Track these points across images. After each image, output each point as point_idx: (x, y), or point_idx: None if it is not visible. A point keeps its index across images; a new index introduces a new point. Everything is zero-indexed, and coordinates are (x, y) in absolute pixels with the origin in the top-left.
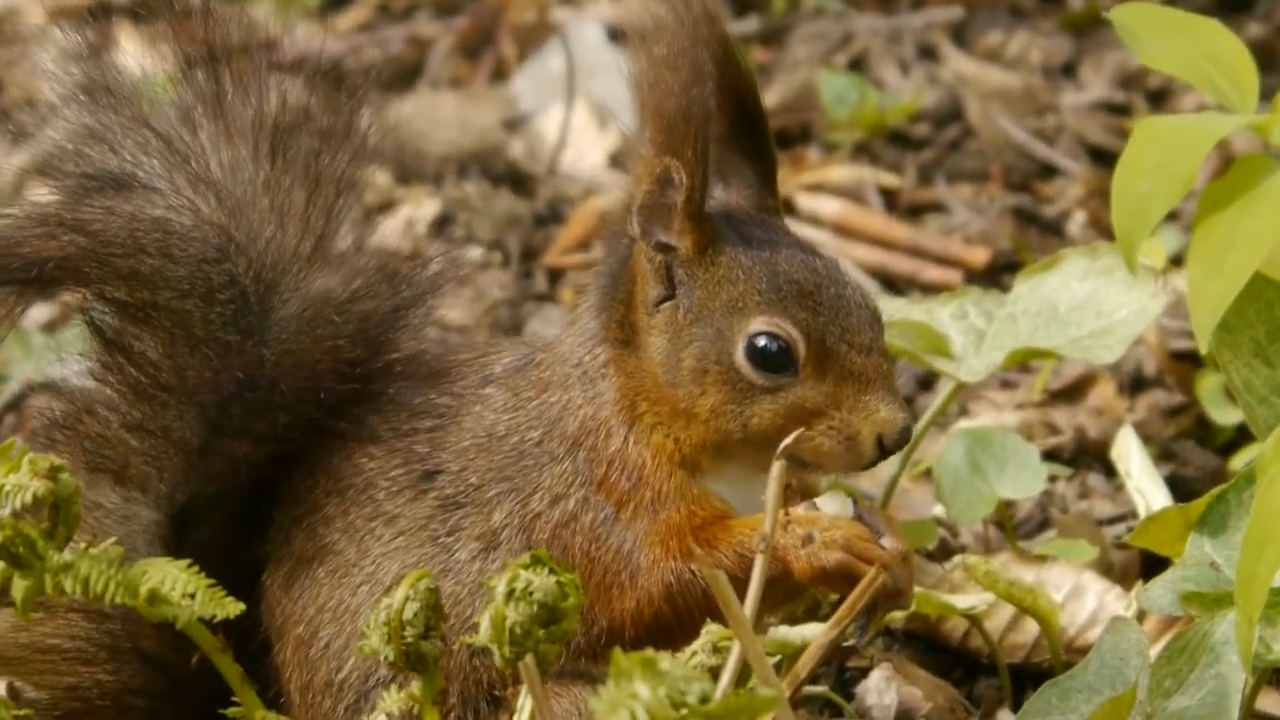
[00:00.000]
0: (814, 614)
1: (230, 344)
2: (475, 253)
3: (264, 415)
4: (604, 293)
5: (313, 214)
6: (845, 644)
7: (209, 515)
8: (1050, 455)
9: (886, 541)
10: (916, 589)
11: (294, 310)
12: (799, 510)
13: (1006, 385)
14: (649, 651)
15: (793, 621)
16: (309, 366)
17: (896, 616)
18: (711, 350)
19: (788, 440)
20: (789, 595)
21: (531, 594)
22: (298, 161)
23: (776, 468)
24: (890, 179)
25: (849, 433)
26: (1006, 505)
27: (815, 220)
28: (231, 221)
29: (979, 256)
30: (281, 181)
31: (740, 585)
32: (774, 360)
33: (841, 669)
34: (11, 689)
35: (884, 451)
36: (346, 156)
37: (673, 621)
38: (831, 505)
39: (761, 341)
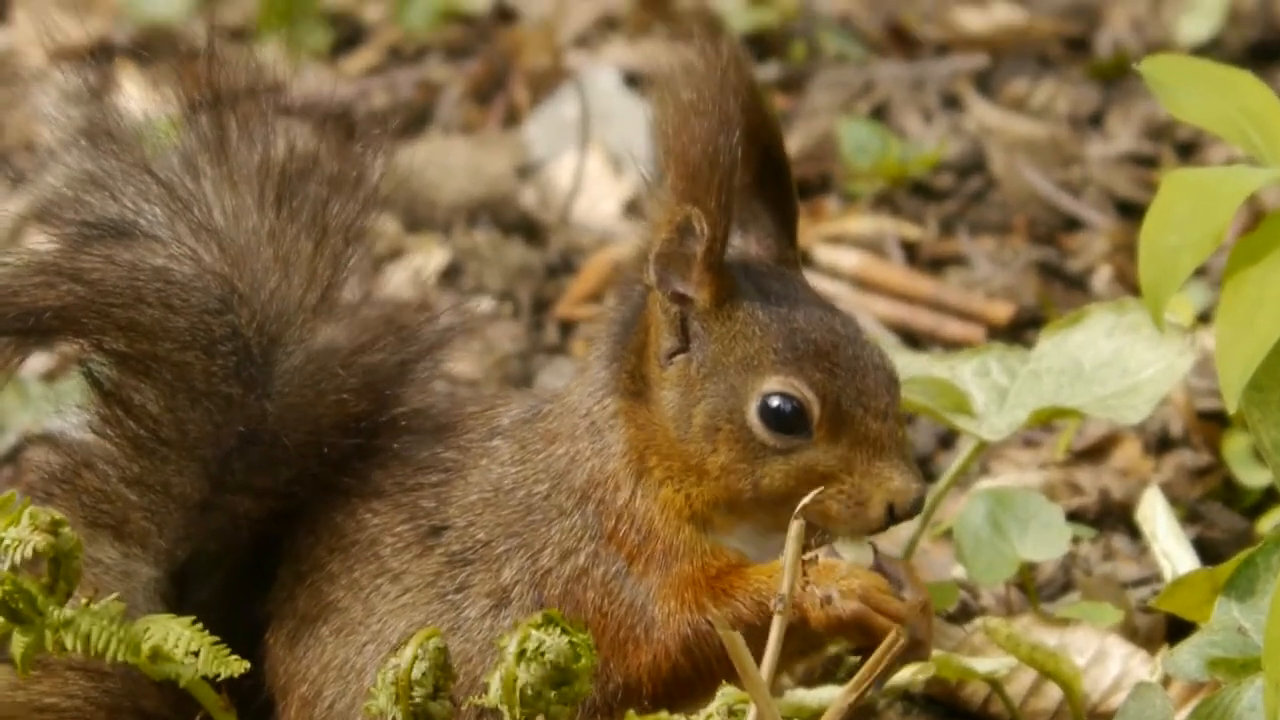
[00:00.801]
0: (831, 676)
1: (232, 397)
2: (485, 304)
3: (266, 470)
4: (616, 342)
5: (319, 264)
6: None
7: (210, 572)
8: (1074, 516)
9: (907, 593)
10: (937, 652)
11: (298, 363)
12: (818, 558)
13: (1029, 444)
14: (663, 715)
15: (810, 684)
16: (312, 420)
17: (916, 680)
18: (724, 407)
19: (806, 500)
20: (805, 646)
21: (544, 654)
22: (304, 210)
23: (795, 527)
24: (911, 231)
25: (860, 498)
26: (1029, 567)
27: (834, 272)
28: (234, 271)
29: (1002, 311)
30: (287, 230)
31: (760, 634)
32: (787, 421)
33: None
34: None
35: (893, 519)
36: (356, 205)
37: (691, 675)
38: (850, 552)
39: (775, 402)
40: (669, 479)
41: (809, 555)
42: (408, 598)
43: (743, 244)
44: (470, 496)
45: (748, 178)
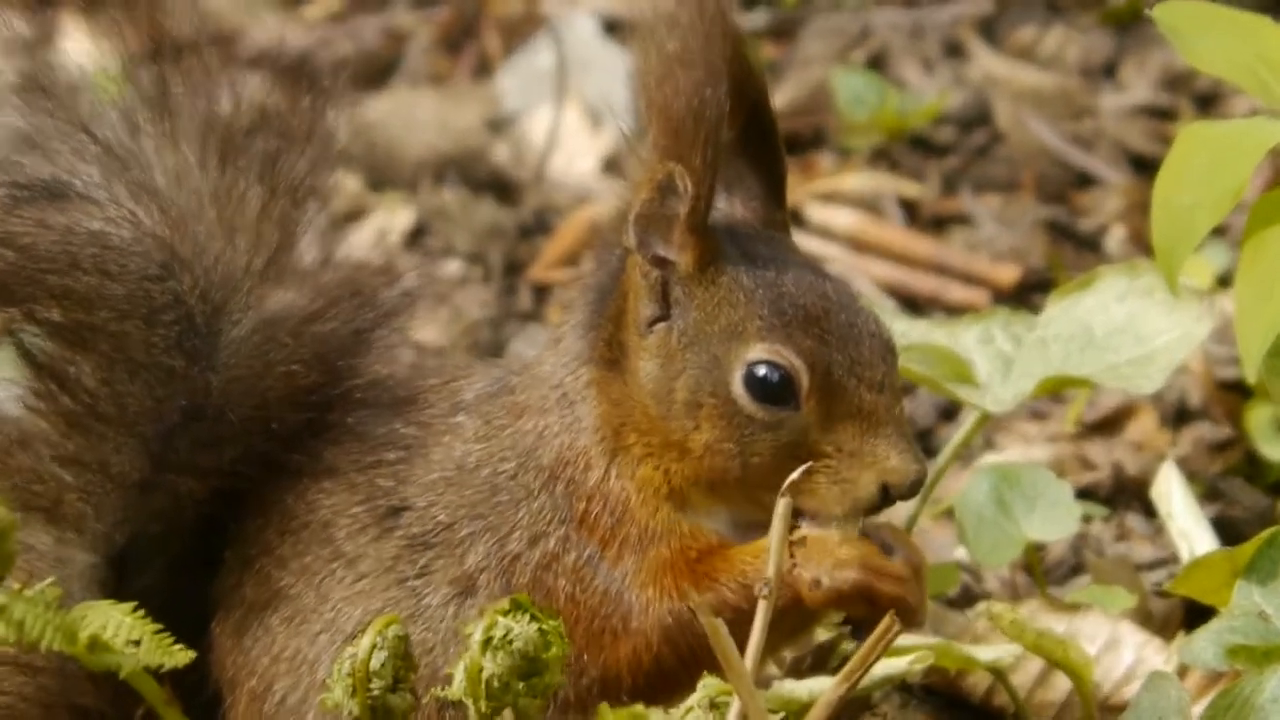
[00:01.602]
0: (822, 666)
1: (174, 370)
2: (453, 267)
3: (211, 447)
4: (592, 309)
5: (266, 225)
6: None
7: (151, 558)
8: (1084, 494)
9: (898, 556)
10: (936, 639)
11: (245, 332)
12: (806, 530)
13: (1036, 416)
14: (638, 708)
15: (798, 674)
16: (260, 394)
17: (914, 670)
18: (707, 379)
19: (795, 475)
20: (799, 626)
21: (511, 643)
22: (252, 168)
23: (781, 505)
24: (911, 188)
25: (850, 476)
26: (1036, 548)
27: (827, 233)
28: (176, 235)
29: (1008, 274)
30: (233, 190)
31: (747, 619)
32: (774, 392)
33: None
34: None
35: (888, 500)
36: (308, 162)
37: (675, 666)
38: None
39: (761, 371)
40: (648, 456)
41: (795, 535)
42: (364, 584)
43: (728, 205)
44: (431, 475)
45: (733, 135)
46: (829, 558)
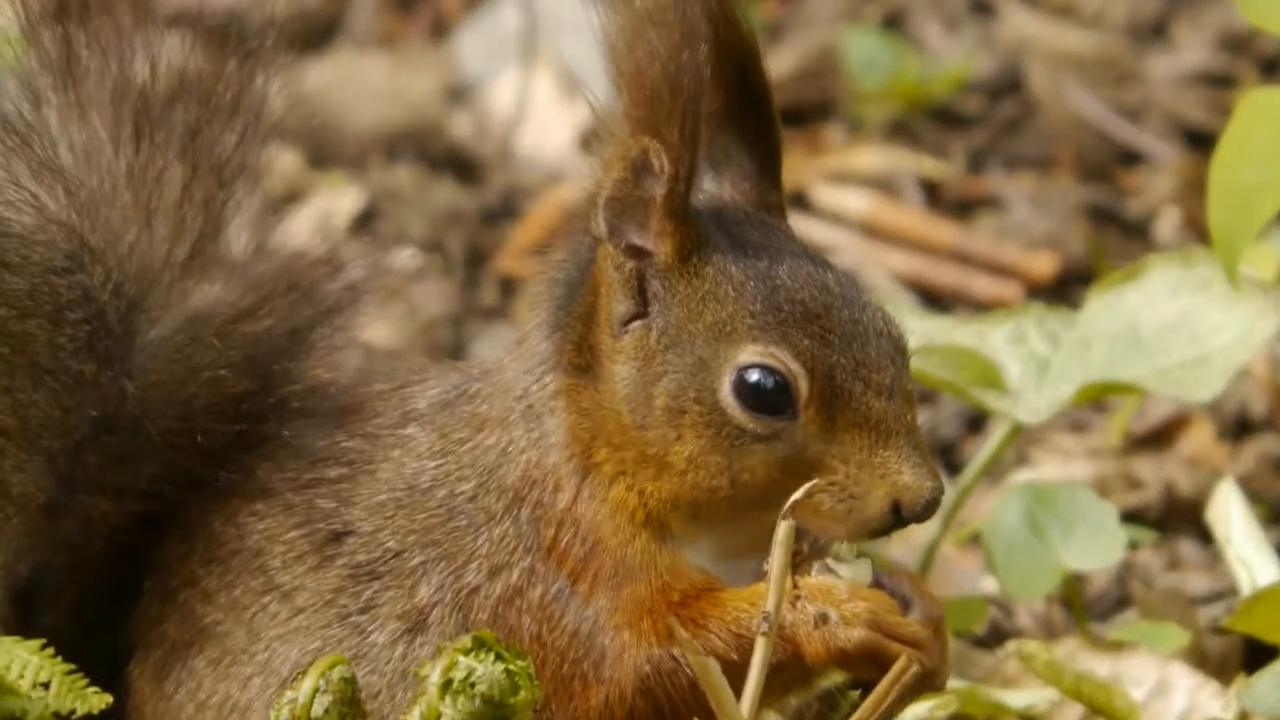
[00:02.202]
0: (830, 713)
1: (84, 375)
2: (407, 256)
3: (126, 464)
4: (558, 307)
5: (189, 209)
6: None
7: (59, 592)
8: (1131, 517)
9: (916, 612)
10: (961, 683)
11: (165, 333)
12: (810, 578)
13: (1077, 428)
14: None
15: None
16: (183, 403)
17: (936, 717)
18: (691, 385)
19: (798, 494)
20: (796, 682)
21: (474, 685)
22: (172, 143)
23: (783, 529)
24: (932, 167)
25: (857, 492)
26: (1075, 579)
27: (837, 218)
28: (85, 221)
29: (1043, 265)
30: (150, 169)
31: (737, 674)
32: (769, 399)
33: None
34: None
35: (900, 521)
36: (235, 134)
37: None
38: (845, 570)
39: (753, 376)
40: (621, 474)
41: (800, 578)
42: (301, 619)
43: (714, 186)
44: (379, 496)
45: (719, 105)
46: (835, 609)
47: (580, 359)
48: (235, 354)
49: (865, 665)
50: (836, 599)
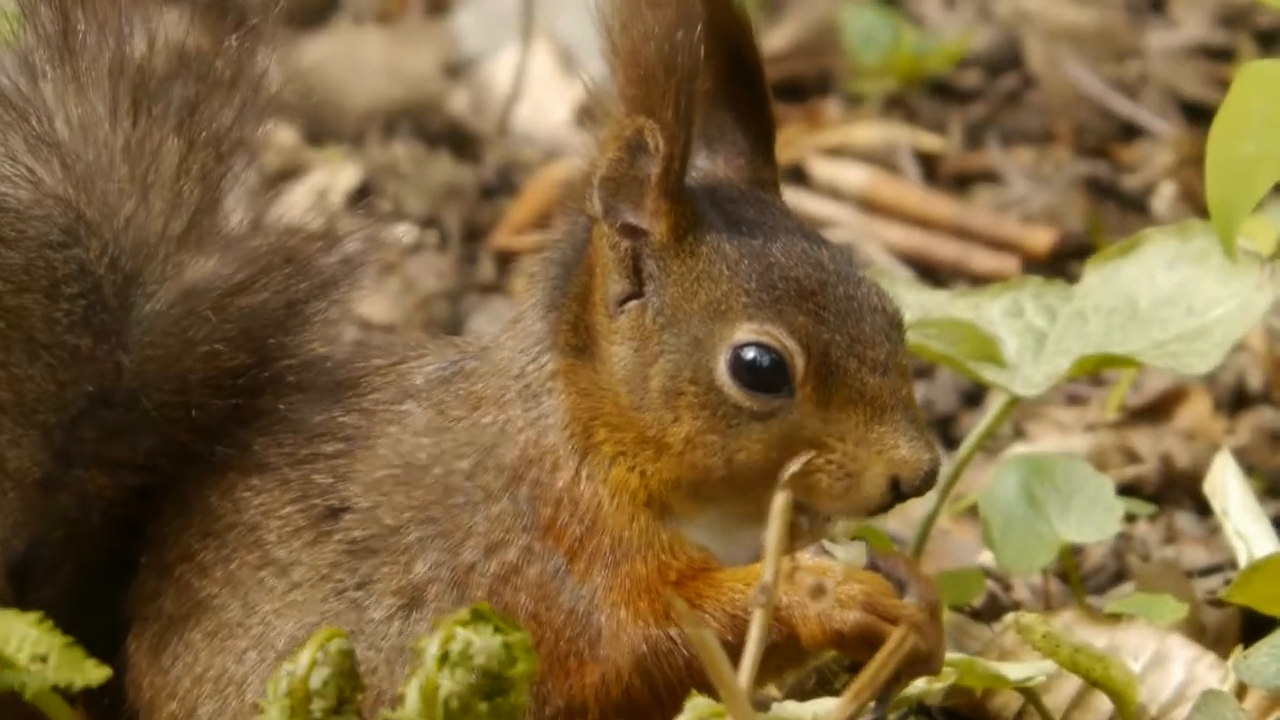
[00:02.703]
0: (826, 686)
1: (79, 349)
2: (404, 231)
3: (122, 438)
4: (554, 287)
5: (185, 183)
6: None
7: (56, 567)
8: (1128, 489)
9: (911, 595)
10: (959, 655)
11: (161, 307)
12: (806, 558)
13: (1073, 401)
14: None
15: (801, 695)
16: (179, 377)
17: (933, 689)
18: (687, 365)
19: (793, 465)
20: (790, 663)
21: (471, 658)
22: (168, 118)
23: (779, 501)
24: (930, 141)
25: (854, 469)
26: (1072, 551)
27: (835, 193)
28: (81, 195)
29: (1041, 239)
30: (146, 143)
31: (731, 654)
32: (765, 378)
33: None
34: None
35: (899, 496)
36: (233, 110)
37: (646, 699)
38: (840, 551)
39: (749, 354)
40: (621, 454)
41: (798, 557)
42: (297, 594)
43: (708, 164)
44: (376, 472)
45: (712, 83)
46: (829, 592)
47: (576, 339)
48: (230, 328)
49: (861, 647)
50: (832, 579)
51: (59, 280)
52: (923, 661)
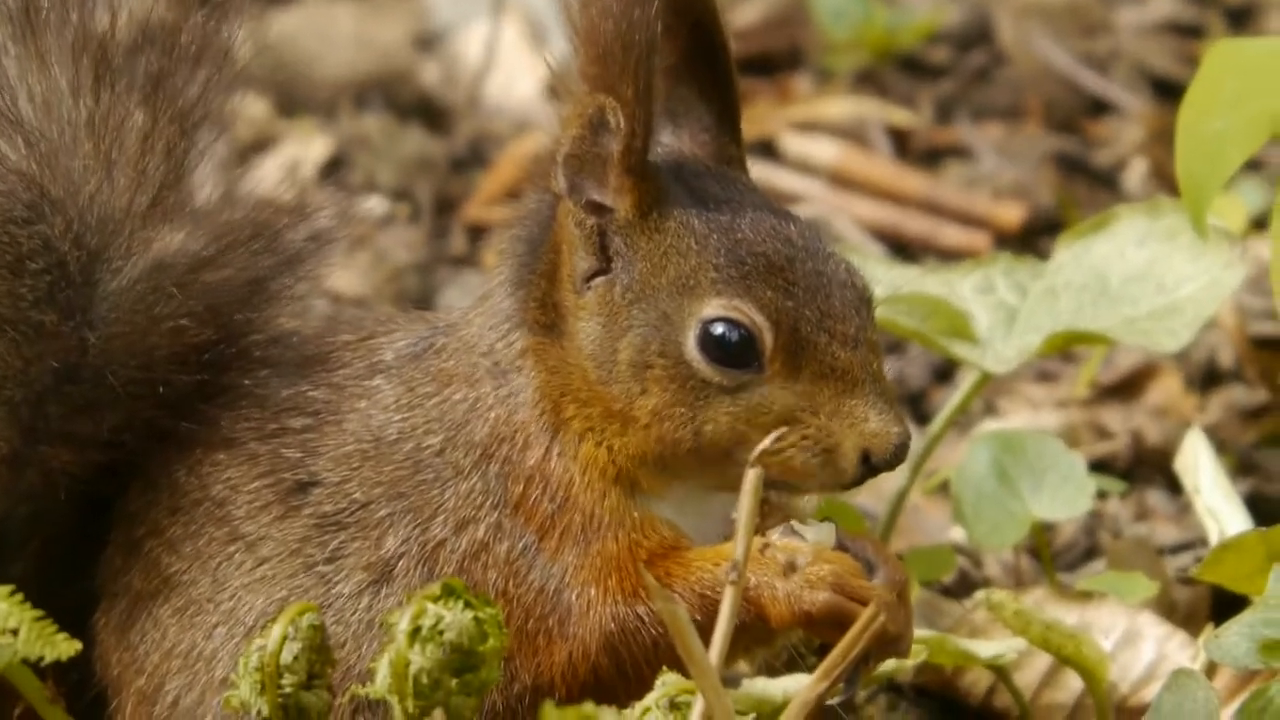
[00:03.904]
0: (796, 664)
1: (44, 325)
2: (375, 204)
3: (88, 414)
4: (522, 264)
5: (150, 158)
6: (832, 701)
7: (23, 543)
8: (1099, 466)
9: (880, 576)
10: (929, 632)
11: (126, 283)
12: (775, 538)
13: (1044, 377)
14: (587, 707)
15: (771, 673)
16: (145, 353)
17: (904, 666)
18: (655, 339)
19: (766, 442)
20: (759, 642)
21: (442, 633)
22: (133, 92)
23: (750, 477)
24: (901, 116)
25: (827, 444)
26: (1043, 529)
27: (805, 167)
28: (45, 171)
29: (1012, 214)
30: (110, 118)
31: (701, 633)
32: (733, 352)
33: None
34: None
35: (870, 470)
36: (199, 83)
37: (614, 677)
38: (809, 533)
39: (718, 329)
40: (589, 430)
41: (767, 537)
42: (266, 569)
43: (674, 140)
44: (345, 447)
45: (676, 59)
46: (798, 573)
47: (545, 317)
48: (196, 303)
49: (829, 628)
50: (801, 560)
51: (23, 256)
52: (891, 643)
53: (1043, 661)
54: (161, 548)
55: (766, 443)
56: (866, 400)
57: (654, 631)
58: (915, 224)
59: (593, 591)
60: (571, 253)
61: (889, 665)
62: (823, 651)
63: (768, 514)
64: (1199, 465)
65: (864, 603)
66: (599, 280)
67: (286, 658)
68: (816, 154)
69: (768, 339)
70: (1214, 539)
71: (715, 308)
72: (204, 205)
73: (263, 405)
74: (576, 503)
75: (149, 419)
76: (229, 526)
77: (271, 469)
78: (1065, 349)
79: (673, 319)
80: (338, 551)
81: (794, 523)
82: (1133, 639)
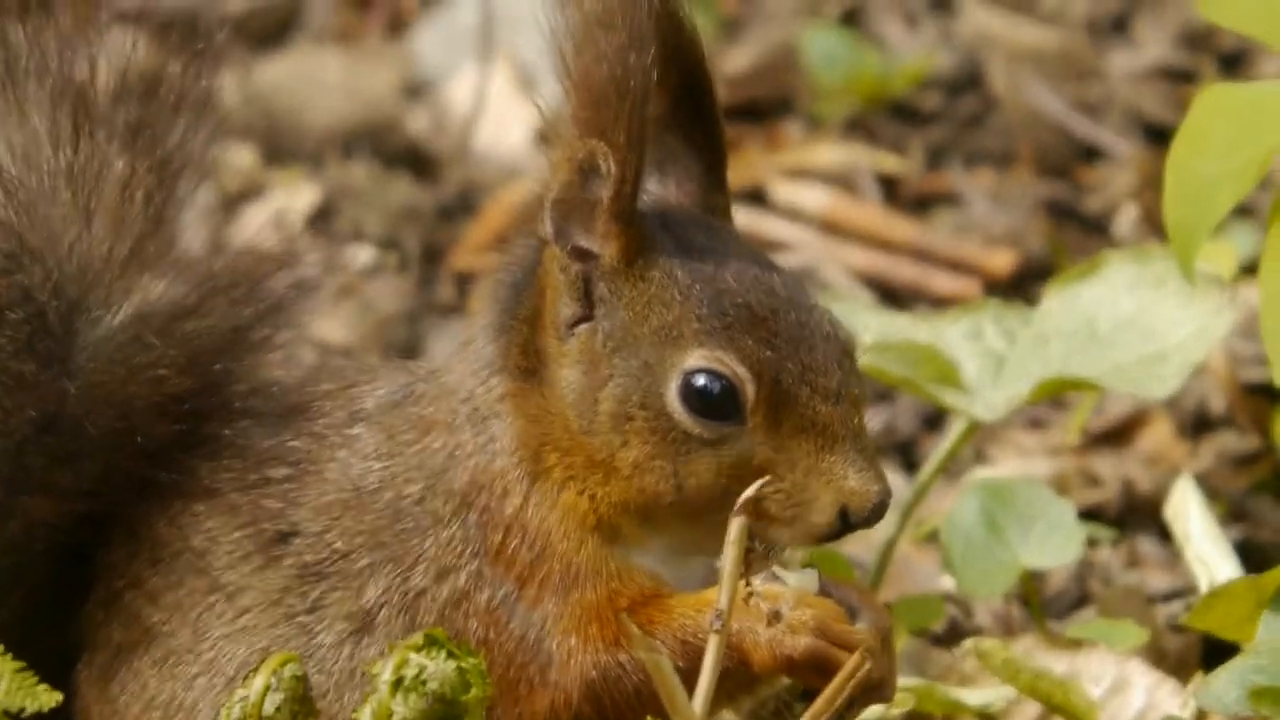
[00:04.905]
0: (783, 715)
1: (24, 375)
2: (363, 253)
3: (67, 465)
4: (504, 310)
5: (130, 208)
6: None
7: (4, 595)
8: (1089, 514)
9: (863, 620)
10: (918, 680)
11: (106, 332)
12: (758, 584)
13: (1034, 425)
14: None
15: None
16: (123, 403)
17: (891, 715)
18: (636, 390)
19: (749, 491)
20: (742, 689)
21: (425, 683)
22: (113, 141)
23: (735, 526)
24: (891, 163)
25: (803, 498)
26: (1033, 577)
27: (795, 214)
28: (24, 220)
29: (1002, 261)
30: (89, 168)
31: (684, 680)
32: (715, 405)
33: None
34: None
35: (848, 527)
36: (179, 132)
37: None
38: (791, 579)
39: (700, 381)
40: (571, 479)
41: (750, 583)
42: (247, 619)
43: (660, 188)
44: (326, 497)
45: (665, 107)
46: (781, 618)
47: (526, 362)
48: (176, 353)
49: (812, 673)
50: (784, 605)
51: (2, 306)
52: (875, 688)
53: (1032, 709)
54: (142, 599)
55: (750, 491)
56: (846, 457)
57: (636, 679)
58: (905, 271)
59: (573, 640)
60: (555, 298)
61: (877, 711)
62: (807, 697)
63: (751, 563)
64: (1189, 512)
65: (846, 647)
66: (582, 328)
67: (269, 709)
68: (806, 201)
69: (750, 391)
70: (1204, 587)
71: (698, 359)
72: (188, 254)
73: (243, 455)
74: (555, 551)
75: (129, 469)
76: (209, 577)
77: (252, 519)
78: (1055, 396)
79: (654, 369)
80: (319, 601)
81: (776, 569)
82: (1122, 687)
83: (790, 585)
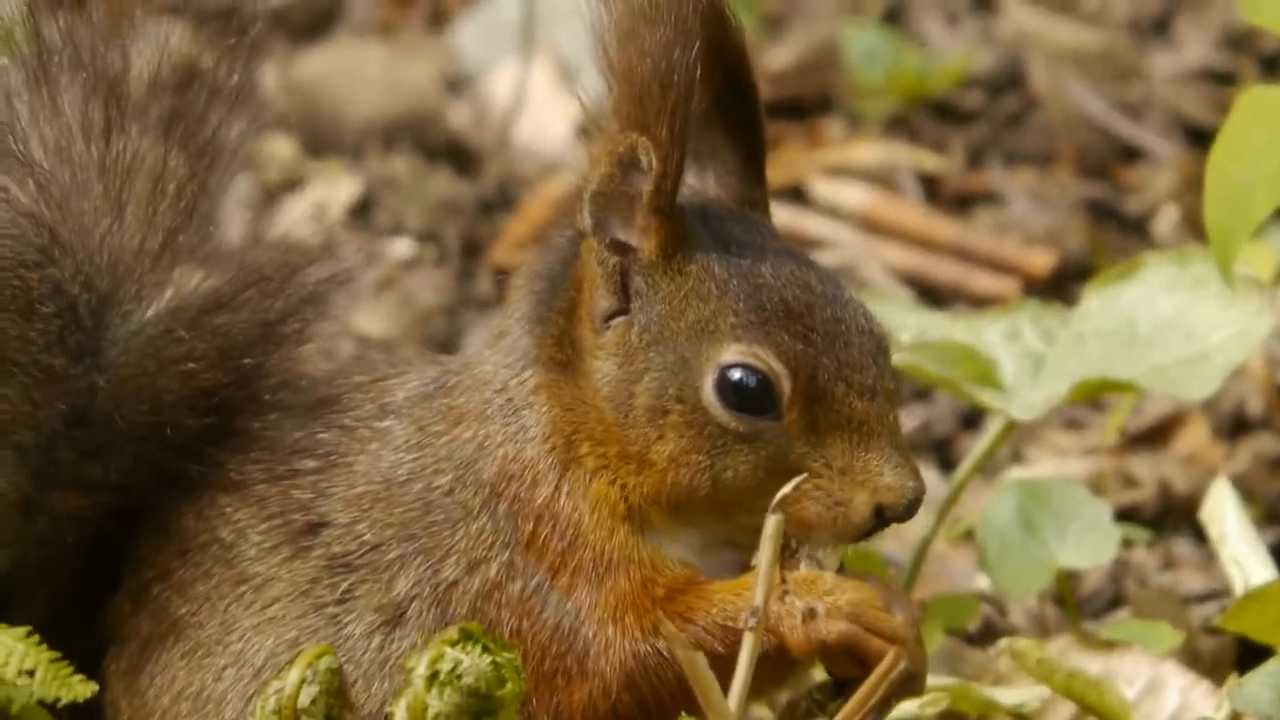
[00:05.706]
0: (815, 715)
1: (54, 369)
2: (402, 246)
3: (97, 458)
4: (540, 301)
5: (162, 201)
6: None
7: (35, 589)
8: (1126, 515)
9: (896, 611)
10: (953, 680)
11: (136, 326)
12: (798, 570)
13: (1072, 425)
14: None
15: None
16: (154, 396)
17: (925, 715)
18: (673, 383)
19: (787, 488)
20: (779, 674)
21: (460, 677)
22: (146, 135)
23: (772, 523)
24: (931, 161)
25: (840, 498)
26: (1069, 577)
27: (835, 212)
28: (57, 214)
29: (1042, 261)
30: (121, 161)
31: (724, 667)
32: (751, 399)
33: None
34: None
35: (883, 523)
36: (212, 124)
37: (636, 714)
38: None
39: (736, 375)
40: (603, 469)
41: (788, 570)
42: (275, 609)
43: (699, 182)
44: (356, 488)
45: (706, 101)
46: (819, 600)
47: (561, 354)
48: (206, 346)
49: (844, 659)
50: (820, 591)
51: (34, 300)
52: (907, 681)
53: (1066, 710)
54: (170, 591)
55: (788, 488)
56: (882, 453)
57: (676, 667)
58: (945, 270)
59: (610, 629)
60: (592, 291)
61: (912, 710)
62: (840, 695)
63: (788, 558)
64: (1225, 514)
65: (880, 634)
66: (618, 320)
67: (304, 701)
68: (846, 199)
69: (786, 386)
70: (1239, 589)
71: (734, 353)
72: (222, 246)
73: (273, 448)
74: (586, 540)
75: (158, 463)
76: (238, 568)
77: (281, 511)
78: (1093, 397)
79: (691, 363)
80: (348, 593)
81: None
82: (1156, 688)
83: (830, 570)
